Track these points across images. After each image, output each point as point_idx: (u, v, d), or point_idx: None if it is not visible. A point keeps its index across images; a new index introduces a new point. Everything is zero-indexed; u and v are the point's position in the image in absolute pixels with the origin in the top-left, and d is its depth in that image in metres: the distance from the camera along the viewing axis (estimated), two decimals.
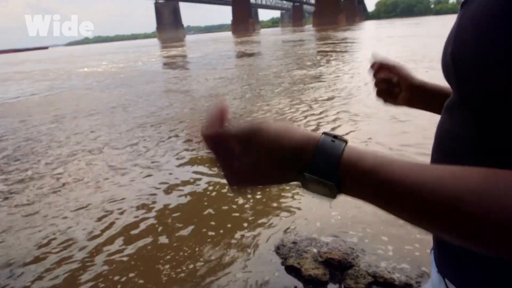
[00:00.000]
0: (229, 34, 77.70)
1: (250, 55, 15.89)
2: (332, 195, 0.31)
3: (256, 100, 5.67)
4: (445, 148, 0.41)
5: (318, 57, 11.88)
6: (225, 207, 2.37)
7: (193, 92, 6.88)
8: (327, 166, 0.30)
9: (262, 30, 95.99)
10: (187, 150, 3.54)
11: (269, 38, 34.41)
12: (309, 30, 54.09)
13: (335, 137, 0.31)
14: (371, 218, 2.07)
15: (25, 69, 18.52)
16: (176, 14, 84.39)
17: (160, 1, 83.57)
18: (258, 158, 0.32)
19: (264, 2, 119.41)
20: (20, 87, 10.18)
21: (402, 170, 0.28)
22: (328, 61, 10.23)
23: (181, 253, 1.89)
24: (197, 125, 4.43)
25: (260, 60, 13.29)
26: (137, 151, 3.59)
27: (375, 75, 0.65)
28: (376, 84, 0.65)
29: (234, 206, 2.37)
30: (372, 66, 0.64)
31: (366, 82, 6.16)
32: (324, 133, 0.32)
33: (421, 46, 11.93)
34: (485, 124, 0.34)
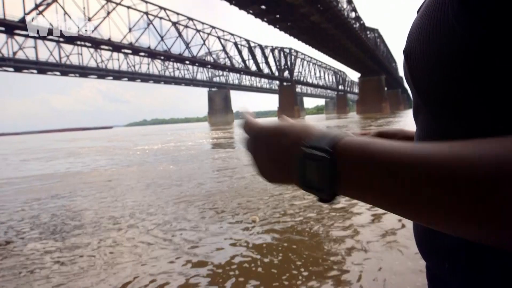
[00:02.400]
0: (275, 119, 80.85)
1: None
2: (325, 179, 0.29)
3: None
4: None
5: None
6: (276, 284, 2.26)
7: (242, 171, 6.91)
8: (324, 142, 0.29)
9: (307, 117, 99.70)
10: (237, 223, 3.36)
11: (315, 123, 35.27)
12: (353, 117, 55.19)
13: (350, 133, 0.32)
14: None
15: (90, 145, 20.26)
16: (226, 101, 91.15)
17: (213, 89, 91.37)
18: (267, 141, 0.36)
19: (309, 92, 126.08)
20: (87, 160, 11.01)
21: (393, 144, 0.26)
22: None
23: None
24: (249, 205, 4.29)
25: None
26: (194, 224, 3.47)
27: None
28: None
29: (286, 283, 2.24)
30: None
31: None
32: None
33: None
34: (444, 124, 0.33)
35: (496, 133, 0.26)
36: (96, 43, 42.22)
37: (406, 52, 0.37)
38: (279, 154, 0.34)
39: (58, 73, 48.00)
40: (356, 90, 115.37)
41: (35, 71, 45.25)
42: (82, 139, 31.36)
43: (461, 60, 0.29)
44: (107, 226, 3.72)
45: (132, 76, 58.54)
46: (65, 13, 37.10)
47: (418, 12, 0.39)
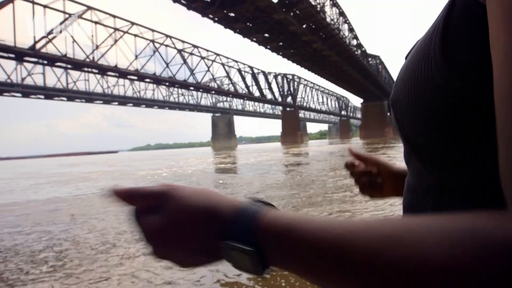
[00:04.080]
0: (278, 144, 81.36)
1: (298, 164, 16.09)
2: (258, 268, 0.27)
3: (300, 207, 5.40)
4: (404, 203, 0.40)
5: None
6: None
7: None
8: (244, 230, 0.27)
9: (310, 142, 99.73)
10: None
11: (317, 149, 35.27)
12: (356, 142, 55.15)
13: (260, 201, 0.30)
14: None
15: (98, 169, 20.25)
16: (230, 126, 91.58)
17: (216, 115, 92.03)
18: (172, 219, 0.30)
19: (312, 117, 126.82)
20: (90, 185, 10.93)
21: (321, 225, 0.25)
22: None
23: None
24: None
25: (307, 169, 13.31)
26: None
27: (352, 172, 0.62)
28: (357, 180, 0.61)
29: None
30: (348, 165, 0.62)
31: None
32: (250, 198, 0.30)
33: None
34: (434, 173, 0.33)
35: (484, 182, 0.28)
36: (102, 70, 43.10)
37: (393, 101, 0.37)
38: (192, 235, 0.29)
39: (64, 98, 48.75)
40: (359, 115, 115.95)
41: (42, 96, 46.02)
42: (89, 163, 31.38)
43: (443, 112, 0.30)
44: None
45: (137, 101, 59.28)
46: (74, 41, 38.15)
47: (406, 58, 0.40)
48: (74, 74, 47.51)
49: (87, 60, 39.51)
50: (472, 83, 0.27)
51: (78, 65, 39.72)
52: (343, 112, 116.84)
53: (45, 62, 38.17)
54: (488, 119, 0.27)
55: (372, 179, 0.59)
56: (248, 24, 39.90)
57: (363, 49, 61.11)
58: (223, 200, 0.30)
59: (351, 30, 53.66)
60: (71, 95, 47.50)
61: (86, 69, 42.21)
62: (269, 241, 0.26)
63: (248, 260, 0.27)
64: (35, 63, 38.53)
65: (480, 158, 0.28)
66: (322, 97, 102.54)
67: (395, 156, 17.11)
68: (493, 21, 0.23)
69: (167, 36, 50.93)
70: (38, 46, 34.51)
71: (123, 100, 56.66)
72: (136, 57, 46.80)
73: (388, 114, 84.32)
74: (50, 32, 35.67)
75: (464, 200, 0.30)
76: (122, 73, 45.78)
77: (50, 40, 35.54)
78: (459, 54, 0.27)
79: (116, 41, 43.12)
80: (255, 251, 0.26)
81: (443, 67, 0.28)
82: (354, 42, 56.20)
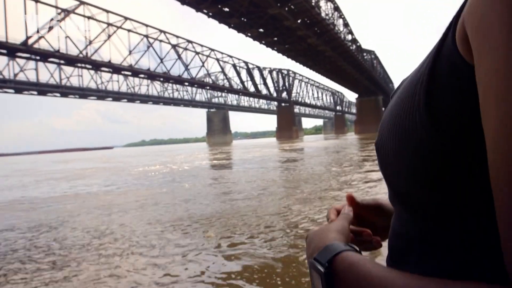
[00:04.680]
0: (273, 139, 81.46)
1: (294, 160, 16.14)
2: None
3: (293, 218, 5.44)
4: (390, 244, 0.40)
5: (363, 164, 11.72)
6: None
7: (237, 194, 6.82)
8: (325, 256, 0.33)
9: (305, 137, 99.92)
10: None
11: (312, 144, 35.36)
12: (351, 137, 55.38)
13: (350, 246, 0.35)
14: None
15: (91, 166, 20.16)
16: (225, 121, 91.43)
17: (211, 110, 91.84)
18: (315, 231, 0.40)
19: (307, 112, 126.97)
20: (87, 182, 10.89)
21: (376, 267, 0.29)
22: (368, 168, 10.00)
23: None
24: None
25: (303, 165, 13.36)
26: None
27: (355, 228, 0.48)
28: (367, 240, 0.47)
29: None
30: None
31: None
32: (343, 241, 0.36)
33: None
34: (417, 220, 0.34)
35: (468, 238, 0.28)
36: (96, 65, 42.72)
37: (378, 146, 0.38)
38: (308, 252, 0.38)
39: (58, 94, 48.32)
40: (353, 110, 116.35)
41: (35, 92, 45.52)
42: (85, 160, 31.21)
43: (426, 166, 0.30)
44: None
45: (132, 97, 58.94)
46: (67, 36, 37.74)
47: (391, 97, 0.40)
48: (68, 69, 47.15)
49: (81, 55, 39.14)
50: (456, 142, 0.27)
51: (71, 60, 39.33)
52: (338, 107, 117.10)
53: (38, 57, 37.73)
54: (470, 178, 0.28)
55: (367, 244, 0.47)
56: (242, 19, 39.72)
57: (358, 44, 61.13)
58: (334, 236, 0.37)
59: (346, 25, 53.62)
60: (64, 91, 47.09)
61: (79, 64, 41.79)
62: (339, 271, 0.31)
63: (319, 280, 0.32)
64: (28, 58, 38.09)
65: (463, 213, 0.29)
66: (317, 92, 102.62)
67: None
68: (483, 90, 0.23)
69: (161, 31, 50.56)
70: (30, 41, 34.09)
71: (117, 96, 56.28)
72: (130, 52, 46.44)
73: (383, 109, 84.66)
74: (43, 28, 35.28)
75: (444, 254, 0.30)
76: (116, 69, 45.43)
77: (42, 36, 35.14)
78: (444, 112, 0.27)
79: (109, 36, 42.74)
80: (325, 272, 0.32)
81: (427, 123, 0.29)
82: (349, 37, 56.20)
